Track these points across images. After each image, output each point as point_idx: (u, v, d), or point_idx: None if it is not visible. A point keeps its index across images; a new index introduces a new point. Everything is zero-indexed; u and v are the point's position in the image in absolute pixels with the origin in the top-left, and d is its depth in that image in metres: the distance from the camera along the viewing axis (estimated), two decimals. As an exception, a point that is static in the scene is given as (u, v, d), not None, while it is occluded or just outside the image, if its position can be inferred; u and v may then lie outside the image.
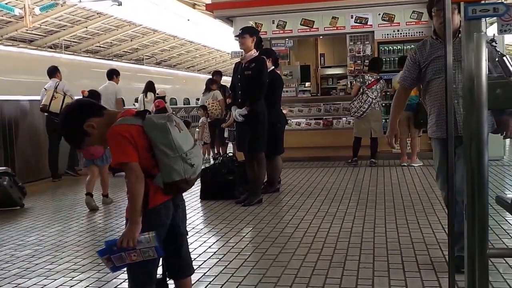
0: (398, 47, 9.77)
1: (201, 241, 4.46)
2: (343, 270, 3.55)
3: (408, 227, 4.57)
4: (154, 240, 2.28)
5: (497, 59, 2.26)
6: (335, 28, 9.89)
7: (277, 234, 4.58)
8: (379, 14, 9.62)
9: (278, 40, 10.37)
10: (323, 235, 4.45)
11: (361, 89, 8.43)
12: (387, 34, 9.64)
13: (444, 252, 3.77)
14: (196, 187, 6.17)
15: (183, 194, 2.55)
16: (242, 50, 6.09)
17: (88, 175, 6.13)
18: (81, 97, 7.02)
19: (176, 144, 2.32)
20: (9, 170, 6.50)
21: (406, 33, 9.56)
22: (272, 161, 6.51)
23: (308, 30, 10.00)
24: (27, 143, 8.53)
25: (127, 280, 2.50)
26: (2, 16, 17.32)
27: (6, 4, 15.58)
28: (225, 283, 3.43)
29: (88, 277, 3.65)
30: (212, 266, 3.78)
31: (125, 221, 2.42)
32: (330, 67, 12.85)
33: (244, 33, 5.86)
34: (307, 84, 11.81)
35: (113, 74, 9.57)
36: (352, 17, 9.74)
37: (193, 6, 18.02)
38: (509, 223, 4.52)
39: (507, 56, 2.24)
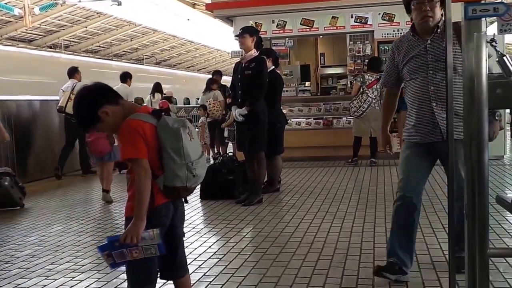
0: (398, 46, 9.74)
1: (201, 241, 4.46)
2: (344, 270, 3.55)
3: (408, 227, 4.56)
4: (158, 237, 2.26)
5: (497, 59, 2.26)
6: (335, 27, 9.88)
7: (277, 234, 4.58)
8: (379, 14, 9.61)
9: (278, 40, 10.36)
10: (324, 235, 4.45)
11: (361, 89, 8.43)
12: (387, 34, 9.63)
13: (445, 251, 3.78)
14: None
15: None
16: (242, 50, 6.09)
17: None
18: None
19: (185, 152, 2.32)
20: (10, 170, 6.51)
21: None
22: (272, 160, 6.51)
23: (308, 29, 9.99)
24: (29, 142, 8.53)
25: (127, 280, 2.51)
26: (2, 16, 17.31)
27: (5, 4, 15.58)
28: (225, 283, 3.43)
29: (88, 277, 3.65)
30: (212, 266, 3.78)
31: (124, 221, 2.42)
32: (330, 66, 12.84)
33: (244, 33, 5.86)
34: (307, 83, 11.80)
35: (126, 77, 9.74)
36: (352, 17, 9.73)
37: (193, 5, 18.04)
38: (510, 222, 4.52)
39: (507, 55, 2.24)
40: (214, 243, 4.46)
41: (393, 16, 9.54)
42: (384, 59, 9.50)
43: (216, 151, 10.54)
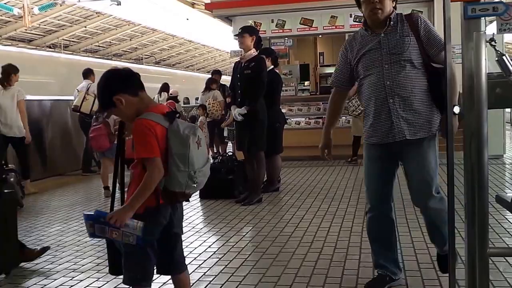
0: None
1: (201, 241, 4.46)
2: (343, 269, 3.55)
3: (408, 226, 4.57)
4: (140, 230, 2.32)
5: (496, 58, 2.26)
6: (334, 27, 9.88)
7: (277, 233, 4.58)
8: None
9: (277, 39, 10.37)
10: (323, 234, 4.45)
11: (360, 88, 8.40)
12: (386, 33, 9.61)
13: (444, 251, 3.77)
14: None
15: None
16: (242, 49, 6.09)
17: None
18: None
19: (190, 160, 2.33)
20: (14, 166, 6.54)
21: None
22: (272, 160, 6.51)
23: (307, 29, 9.99)
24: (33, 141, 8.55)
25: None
26: (1, 15, 17.30)
27: (5, 3, 15.56)
28: (225, 282, 3.43)
29: (88, 277, 3.65)
30: (212, 266, 3.78)
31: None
32: (329, 65, 12.80)
33: (244, 32, 5.86)
34: (306, 83, 11.81)
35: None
36: (351, 16, 9.73)
37: (192, 5, 18.02)
38: (509, 221, 4.52)
39: (506, 55, 2.24)
40: (214, 242, 4.46)
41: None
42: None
43: (215, 151, 10.54)
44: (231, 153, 6.91)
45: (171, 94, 11.39)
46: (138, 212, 2.35)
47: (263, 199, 6.02)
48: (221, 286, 3.38)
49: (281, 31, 10.08)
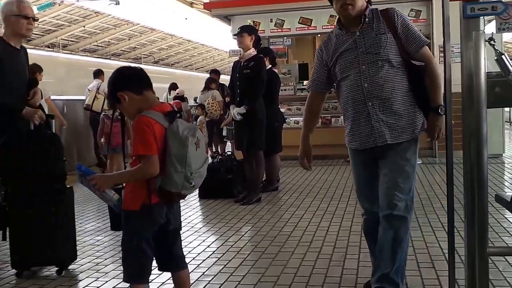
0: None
1: (200, 240, 4.46)
2: (343, 269, 3.55)
3: (407, 225, 4.56)
4: (116, 202, 2.44)
5: (495, 58, 2.26)
6: (333, 26, 9.84)
7: (276, 232, 4.58)
8: (377, 12, 9.60)
9: (276, 39, 10.37)
10: (322, 234, 4.45)
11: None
12: (385, 32, 9.61)
13: (444, 250, 3.77)
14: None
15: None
16: (241, 49, 6.09)
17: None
18: None
19: (187, 161, 2.34)
20: None
21: (404, 31, 9.54)
22: (271, 159, 6.51)
23: (306, 28, 9.99)
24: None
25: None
26: (0, 15, 17.27)
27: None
28: (224, 282, 3.43)
29: (88, 277, 3.65)
30: (211, 265, 3.78)
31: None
32: (328, 65, 12.83)
33: (243, 32, 5.86)
34: (305, 82, 11.78)
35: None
36: (350, 15, 9.72)
37: (191, 4, 18.00)
38: (509, 221, 4.52)
39: (505, 54, 2.24)
40: (213, 242, 4.46)
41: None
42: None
43: (214, 150, 10.54)
44: (230, 153, 6.91)
45: (177, 93, 11.59)
46: (135, 208, 2.39)
47: (262, 199, 6.02)
48: (220, 286, 3.38)
49: (280, 30, 10.08)
